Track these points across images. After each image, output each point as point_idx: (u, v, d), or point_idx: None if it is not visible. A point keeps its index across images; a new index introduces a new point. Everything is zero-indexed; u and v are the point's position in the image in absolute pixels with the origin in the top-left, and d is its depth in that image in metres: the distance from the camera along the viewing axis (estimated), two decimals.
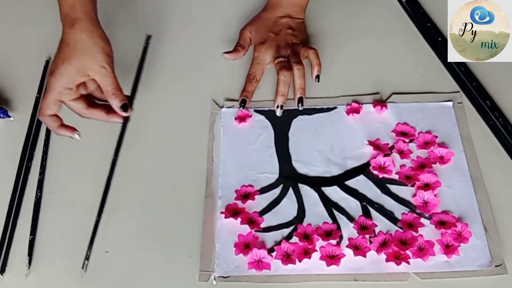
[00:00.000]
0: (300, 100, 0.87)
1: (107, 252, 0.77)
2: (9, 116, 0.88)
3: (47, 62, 0.96)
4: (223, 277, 0.73)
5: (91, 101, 0.79)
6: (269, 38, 0.92)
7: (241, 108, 0.88)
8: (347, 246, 0.74)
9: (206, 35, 0.99)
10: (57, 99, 0.76)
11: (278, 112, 0.87)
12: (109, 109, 0.79)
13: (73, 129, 0.78)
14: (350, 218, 0.77)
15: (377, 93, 0.89)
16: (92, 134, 0.86)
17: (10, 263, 0.76)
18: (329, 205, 0.78)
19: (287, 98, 0.88)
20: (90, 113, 0.78)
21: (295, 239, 0.75)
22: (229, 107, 0.89)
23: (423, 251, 0.72)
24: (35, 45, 0.99)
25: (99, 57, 0.76)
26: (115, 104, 0.77)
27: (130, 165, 0.83)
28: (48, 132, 0.88)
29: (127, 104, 0.78)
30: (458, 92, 0.88)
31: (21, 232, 0.79)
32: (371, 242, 0.74)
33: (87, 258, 0.75)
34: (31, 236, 0.78)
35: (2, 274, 0.75)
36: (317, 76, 0.88)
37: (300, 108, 0.87)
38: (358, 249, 0.73)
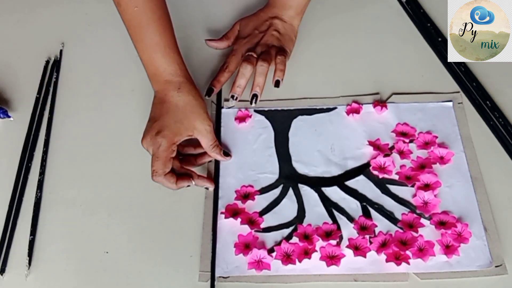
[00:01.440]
0: (254, 97, 0.87)
1: (107, 252, 0.77)
2: (9, 116, 0.88)
3: (47, 62, 0.96)
4: (223, 277, 0.73)
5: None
6: (252, 34, 0.92)
7: (206, 97, 0.87)
8: (347, 247, 0.74)
9: (206, 36, 0.99)
10: (170, 157, 0.78)
11: (231, 102, 0.88)
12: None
13: (188, 179, 0.79)
14: (350, 219, 0.77)
15: (377, 93, 0.89)
16: (92, 134, 0.86)
17: (10, 263, 0.76)
18: (329, 205, 0.78)
19: (292, 98, 0.89)
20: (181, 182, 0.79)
21: (295, 239, 0.75)
22: (229, 107, 0.89)
23: (423, 251, 0.72)
24: (35, 45, 0.99)
25: (205, 117, 0.80)
26: (216, 155, 0.81)
27: (130, 165, 0.84)
28: (48, 132, 0.88)
29: (227, 151, 0.83)
30: (458, 92, 0.88)
31: (21, 232, 0.79)
32: (371, 243, 0.74)
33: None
34: (31, 236, 0.78)
35: (2, 274, 0.75)
36: (277, 82, 0.88)
37: (252, 105, 0.87)
38: (358, 250, 0.73)
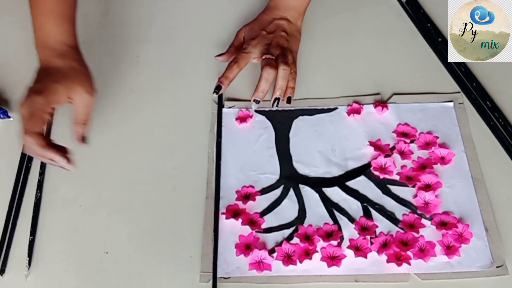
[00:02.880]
0: (276, 100, 0.87)
1: (107, 252, 0.76)
2: (9, 117, 0.88)
3: None
4: (224, 278, 0.73)
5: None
6: (261, 35, 0.90)
7: (214, 94, 0.87)
8: (348, 247, 0.74)
9: (206, 36, 0.99)
10: (45, 118, 0.75)
11: (254, 106, 0.87)
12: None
13: (62, 153, 0.76)
14: (351, 219, 0.77)
15: (378, 93, 0.89)
16: (91, 135, 0.86)
17: (10, 264, 0.76)
18: (330, 206, 0.78)
19: (292, 99, 0.89)
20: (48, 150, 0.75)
21: (296, 240, 0.75)
22: (229, 107, 0.89)
23: (424, 252, 0.72)
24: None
25: (90, 85, 0.78)
26: (81, 132, 0.78)
27: (130, 165, 0.83)
28: (48, 132, 0.87)
29: (86, 138, 0.79)
30: (459, 92, 0.88)
31: (21, 232, 0.79)
32: (372, 243, 0.74)
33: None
34: (31, 237, 0.78)
35: (2, 275, 0.75)
36: (289, 98, 0.87)
37: (273, 109, 0.87)
38: (359, 250, 0.73)
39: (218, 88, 0.87)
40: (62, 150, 0.75)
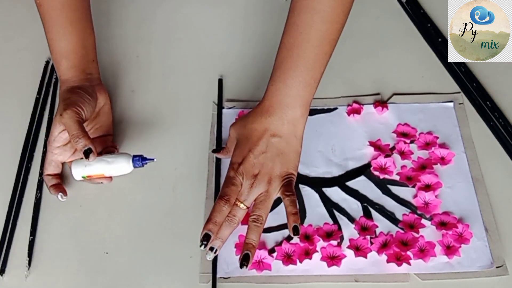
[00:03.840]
0: (246, 258, 0.71)
1: (106, 253, 0.76)
2: (151, 159, 0.78)
3: (47, 62, 0.96)
4: (224, 278, 0.73)
5: None
6: (247, 160, 0.74)
7: (201, 247, 0.71)
8: (348, 247, 0.74)
9: (206, 36, 0.99)
10: (51, 159, 0.79)
11: (209, 256, 0.72)
12: None
13: (59, 189, 0.79)
14: (351, 219, 0.77)
15: (378, 93, 0.89)
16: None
17: (10, 264, 0.76)
18: (330, 206, 0.78)
19: None
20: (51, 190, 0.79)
21: (296, 239, 0.75)
22: (229, 108, 0.89)
23: (424, 252, 0.72)
24: (35, 46, 0.99)
25: (60, 107, 0.77)
26: (79, 149, 0.75)
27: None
28: (48, 132, 0.88)
29: (91, 149, 0.75)
30: (459, 92, 0.88)
31: (21, 232, 0.79)
32: (372, 243, 0.74)
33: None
34: (31, 237, 0.78)
35: (2, 275, 0.75)
36: (295, 228, 0.71)
37: (242, 269, 0.72)
38: (359, 250, 0.73)
39: (206, 237, 0.71)
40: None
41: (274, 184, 0.73)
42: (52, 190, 0.78)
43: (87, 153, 0.74)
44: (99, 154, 0.77)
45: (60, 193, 0.78)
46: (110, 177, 0.79)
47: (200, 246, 0.71)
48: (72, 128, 0.74)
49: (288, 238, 0.75)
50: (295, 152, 0.76)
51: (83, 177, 0.78)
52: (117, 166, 0.76)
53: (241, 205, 0.73)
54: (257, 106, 0.77)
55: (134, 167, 0.77)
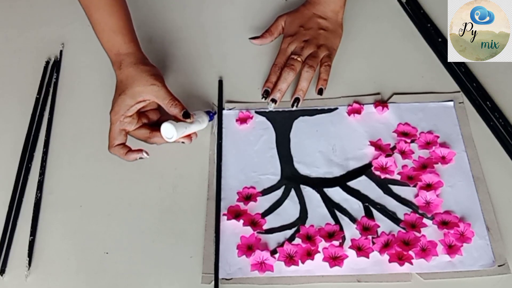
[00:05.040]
0: (296, 101, 0.87)
1: (106, 253, 0.76)
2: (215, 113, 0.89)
3: (47, 62, 0.96)
4: (226, 279, 0.73)
5: (155, 129, 0.84)
6: (299, 32, 0.91)
7: (262, 99, 0.88)
8: (350, 247, 0.74)
9: (207, 37, 0.99)
10: (120, 129, 0.81)
11: (270, 106, 0.87)
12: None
13: (140, 151, 0.82)
14: (353, 219, 0.76)
15: (378, 93, 0.89)
16: (92, 135, 0.86)
17: (10, 264, 0.76)
18: (332, 206, 0.78)
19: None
20: (153, 137, 0.83)
21: (297, 240, 0.75)
22: (230, 109, 0.89)
23: (426, 251, 0.72)
24: (35, 46, 0.99)
25: (147, 79, 0.81)
26: (177, 113, 0.82)
27: (130, 165, 0.83)
28: (48, 132, 0.88)
29: (188, 111, 0.82)
30: (459, 92, 0.88)
31: (21, 233, 0.79)
32: (373, 243, 0.74)
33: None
34: (31, 237, 0.78)
35: (2, 275, 0.75)
36: (320, 90, 0.88)
37: (293, 108, 0.87)
38: (361, 250, 0.73)
39: (266, 93, 0.88)
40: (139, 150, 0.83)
41: (321, 48, 0.90)
42: (132, 155, 0.82)
43: (187, 115, 0.81)
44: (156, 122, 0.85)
45: (144, 152, 0.82)
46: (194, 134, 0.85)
47: (262, 98, 0.88)
48: (166, 95, 0.82)
49: (290, 239, 0.75)
50: (338, 34, 0.93)
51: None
52: (203, 123, 0.85)
53: (297, 57, 0.88)
54: (304, 3, 0.95)
55: (209, 121, 0.86)
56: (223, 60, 0.95)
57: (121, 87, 0.82)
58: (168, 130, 0.81)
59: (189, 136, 0.83)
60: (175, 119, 0.82)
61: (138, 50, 0.85)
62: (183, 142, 0.83)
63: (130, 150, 0.82)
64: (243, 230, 0.76)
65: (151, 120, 0.85)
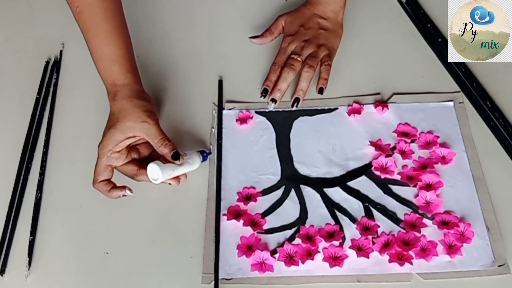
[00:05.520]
0: (296, 101, 0.87)
1: (107, 253, 0.76)
2: (209, 153, 0.84)
3: (47, 62, 0.96)
4: (226, 279, 0.73)
5: (144, 165, 0.80)
6: (299, 32, 0.92)
7: (261, 98, 0.88)
8: (350, 247, 0.74)
9: (207, 37, 0.99)
10: (107, 164, 0.78)
11: (270, 106, 0.87)
12: None
13: (123, 188, 0.79)
14: (353, 219, 0.76)
15: (378, 93, 0.89)
16: (92, 135, 0.86)
17: (10, 264, 0.76)
18: (332, 206, 0.78)
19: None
20: (140, 175, 0.79)
21: (297, 240, 0.75)
22: (230, 109, 0.89)
23: (426, 251, 0.72)
24: (35, 46, 0.99)
25: (139, 115, 0.78)
26: (166, 154, 0.78)
27: None
28: (48, 133, 0.88)
29: (178, 152, 0.78)
30: (459, 92, 0.88)
31: (21, 233, 0.79)
32: (373, 243, 0.74)
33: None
34: (31, 237, 0.78)
35: (2, 275, 0.75)
36: (321, 89, 0.88)
37: (293, 108, 0.87)
38: (361, 250, 0.73)
39: (265, 92, 0.88)
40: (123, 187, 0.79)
41: (321, 48, 0.90)
42: (116, 192, 0.78)
43: (176, 156, 0.77)
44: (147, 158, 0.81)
45: (127, 189, 0.79)
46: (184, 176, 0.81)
47: (261, 97, 0.88)
48: (158, 134, 0.78)
49: (290, 239, 0.75)
50: (338, 34, 0.94)
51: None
52: (194, 165, 0.80)
53: (297, 57, 0.88)
54: (304, 3, 0.96)
55: (202, 161, 0.82)
56: (223, 60, 0.95)
57: (113, 120, 0.79)
58: (153, 171, 0.77)
59: (177, 178, 0.80)
60: (164, 160, 0.78)
61: (134, 81, 0.81)
62: (169, 184, 0.80)
63: (114, 186, 0.78)
64: (243, 230, 0.76)
65: (142, 155, 0.82)
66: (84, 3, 0.79)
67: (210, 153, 0.83)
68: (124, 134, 0.78)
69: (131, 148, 0.80)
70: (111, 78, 0.81)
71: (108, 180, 0.79)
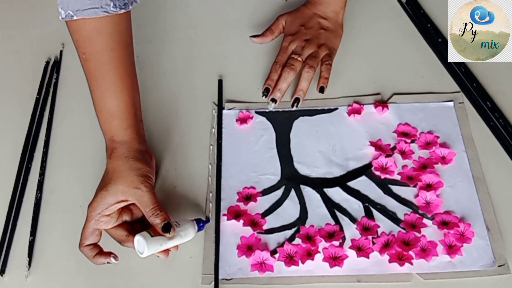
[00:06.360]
0: (296, 101, 0.87)
1: None
2: (207, 221, 0.78)
3: (47, 62, 0.96)
4: (226, 279, 0.73)
5: (136, 229, 0.74)
6: (299, 31, 0.92)
7: (263, 97, 0.88)
8: (350, 247, 0.74)
9: (207, 37, 0.99)
10: (94, 228, 0.72)
11: (270, 106, 0.87)
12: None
13: (108, 254, 0.72)
14: (353, 219, 0.76)
15: (378, 93, 0.89)
16: (92, 134, 0.86)
17: (10, 264, 0.76)
18: (332, 206, 0.78)
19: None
20: (128, 242, 0.73)
21: (297, 240, 0.75)
22: (230, 109, 0.89)
23: (426, 251, 0.72)
24: (35, 46, 0.99)
25: (132, 180, 0.72)
26: (157, 224, 0.71)
27: None
28: (48, 132, 0.88)
29: (170, 223, 0.71)
30: (459, 92, 0.88)
31: (21, 233, 0.79)
32: (374, 243, 0.74)
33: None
34: (31, 237, 0.78)
35: (2, 275, 0.75)
36: (322, 88, 0.88)
37: (293, 108, 0.87)
38: (361, 250, 0.73)
39: (266, 91, 0.88)
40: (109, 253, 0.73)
41: (322, 48, 0.90)
42: (100, 258, 0.72)
43: (167, 228, 0.71)
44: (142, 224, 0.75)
45: (112, 256, 0.72)
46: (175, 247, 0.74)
47: (262, 96, 0.88)
48: (150, 202, 0.72)
49: (290, 239, 0.75)
50: (338, 34, 0.94)
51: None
52: (187, 237, 0.74)
53: (297, 57, 0.88)
54: (305, 2, 0.96)
55: (197, 231, 0.75)
56: (223, 60, 0.95)
57: (106, 180, 0.74)
58: (139, 244, 0.71)
59: (166, 250, 0.73)
60: (153, 231, 0.72)
61: (134, 138, 0.76)
62: (158, 256, 0.73)
63: (99, 252, 0.72)
64: (243, 230, 0.76)
65: (135, 217, 0.75)
66: (91, 51, 0.75)
67: (208, 221, 0.77)
68: (116, 197, 0.72)
69: (123, 208, 0.74)
70: (110, 133, 0.76)
71: (95, 245, 0.72)
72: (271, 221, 0.77)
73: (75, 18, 0.73)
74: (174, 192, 0.81)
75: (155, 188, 0.79)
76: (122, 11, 0.75)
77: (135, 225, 0.75)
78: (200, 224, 0.75)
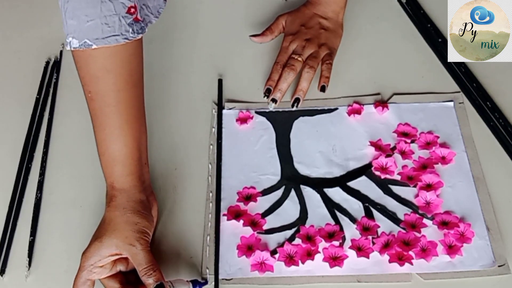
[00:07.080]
0: (296, 101, 0.87)
1: None
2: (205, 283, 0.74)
3: (47, 63, 0.96)
4: (226, 279, 0.73)
5: (130, 280, 0.71)
6: (300, 31, 0.92)
7: (265, 98, 0.88)
8: (350, 248, 0.74)
9: (207, 36, 0.99)
10: (87, 278, 0.69)
11: (271, 106, 0.87)
12: None
13: None
14: (353, 219, 0.76)
15: (378, 93, 0.89)
16: (92, 134, 0.86)
17: (10, 264, 0.76)
18: (332, 206, 0.78)
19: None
20: None
21: (297, 240, 0.75)
22: (230, 109, 0.89)
23: (426, 251, 0.72)
24: (35, 46, 0.99)
25: (127, 235, 0.69)
26: (149, 285, 0.68)
27: None
28: (48, 132, 0.88)
29: (163, 284, 0.68)
30: (459, 92, 0.88)
31: (21, 233, 0.78)
32: (374, 243, 0.74)
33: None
34: (31, 237, 0.78)
35: (2, 275, 0.75)
36: (323, 87, 0.88)
37: (293, 109, 0.88)
38: (361, 250, 0.73)
39: (268, 92, 0.88)
40: None
41: (322, 48, 0.90)
42: None
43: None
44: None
45: None
46: None
47: (264, 97, 0.88)
48: (144, 261, 0.68)
49: (290, 239, 0.75)
50: (338, 34, 0.94)
51: None
52: None
53: (298, 57, 0.88)
54: (305, 3, 0.96)
55: None
56: (223, 60, 0.95)
57: (102, 230, 0.70)
58: None
59: None
60: None
61: (135, 185, 0.72)
62: None
63: None
64: (243, 230, 0.76)
65: (130, 267, 0.71)
66: (97, 90, 0.71)
67: (205, 283, 0.73)
68: (110, 250, 0.69)
69: (118, 258, 0.70)
70: (110, 178, 0.72)
71: None
72: (271, 221, 0.77)
73: (94, 47, 0.68)
74: (174, 192, 0.81)
75: (155, 187, 0.80)
76: (140, 36, 0.71)
77: (129, 275, 0.72)
78: (196, 286, 0.71)
